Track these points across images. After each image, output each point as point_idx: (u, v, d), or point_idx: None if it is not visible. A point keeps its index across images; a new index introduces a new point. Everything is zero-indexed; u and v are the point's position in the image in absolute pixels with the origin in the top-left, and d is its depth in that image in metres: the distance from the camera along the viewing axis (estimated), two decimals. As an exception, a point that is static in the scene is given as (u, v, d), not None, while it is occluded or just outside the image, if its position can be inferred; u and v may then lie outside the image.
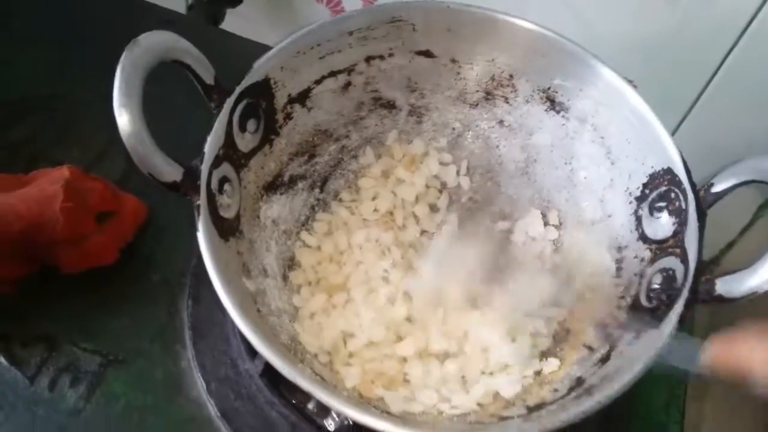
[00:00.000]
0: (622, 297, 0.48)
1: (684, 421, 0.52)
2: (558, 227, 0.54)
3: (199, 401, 0.47)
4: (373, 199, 0.55)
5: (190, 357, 0.48)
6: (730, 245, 0.89)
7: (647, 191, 0.48)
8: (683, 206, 0.45)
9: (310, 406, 0.46)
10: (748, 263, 0.76)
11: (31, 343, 0.48)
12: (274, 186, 0.50)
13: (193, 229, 0.50)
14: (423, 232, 0.55)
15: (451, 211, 0.56)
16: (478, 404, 0.44)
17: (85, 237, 0.47)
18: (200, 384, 0.47)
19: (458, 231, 0.55)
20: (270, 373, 0.46)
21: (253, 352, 0.47)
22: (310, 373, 0.39)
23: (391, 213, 0.54)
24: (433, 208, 0.56)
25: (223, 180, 0.44)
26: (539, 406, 0.42)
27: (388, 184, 0.55)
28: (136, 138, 0.39)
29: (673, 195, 0.46)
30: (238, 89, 0.45)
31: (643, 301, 0.45)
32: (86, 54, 0.63)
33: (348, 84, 0.53)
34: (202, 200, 0.41)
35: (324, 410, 0.45)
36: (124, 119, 0.38)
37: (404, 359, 0.46)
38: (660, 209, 0.47)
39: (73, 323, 0.49)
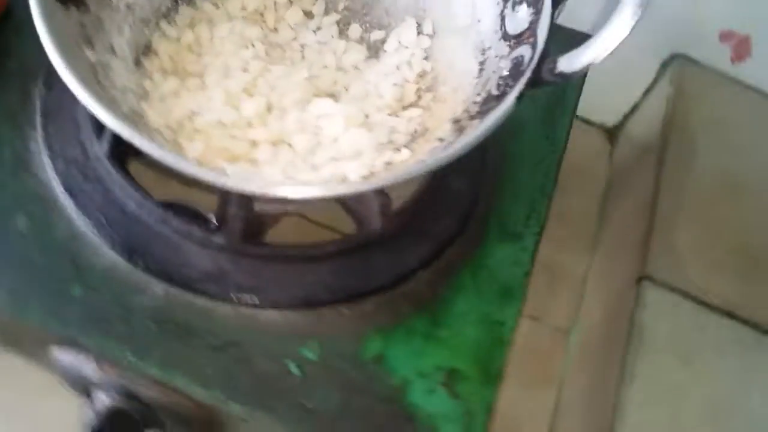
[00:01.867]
0: (479, 94, 0.48)
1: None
2: (431, 36, 0.53)
3: (45, 181, 0.46)
4: None
5: (39, 139, 0.47)
6: (634, 108, 0.90)
7: None
8: (538, -4, 0.45)
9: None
10: (650, 126, 0.77)
11: None
12: None
13: None
14: (295, 39, 0.53)
15: (327, 18, 0.55)
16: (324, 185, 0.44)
17: None
18: (47, 164, 0.47)
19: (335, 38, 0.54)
20: (117, 153, 0.46)
21: (99, 134, 0.46)
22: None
23: (261, 13, 0.53)
24: (308, 15, 0.54)
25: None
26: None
27: None
28: None
29: None
30: None
31: (493, 91, 0.45)
32: None
33: None
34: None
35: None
36: None
37: (254, 143, 0.46)
38: (520, 2, 0.47)
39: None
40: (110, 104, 0.39)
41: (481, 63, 0.49)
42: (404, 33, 0.54)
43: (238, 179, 0.41)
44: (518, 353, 0.50)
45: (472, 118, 0.46)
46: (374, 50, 0.54)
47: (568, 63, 0.41)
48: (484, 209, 0.52)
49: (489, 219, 0.51)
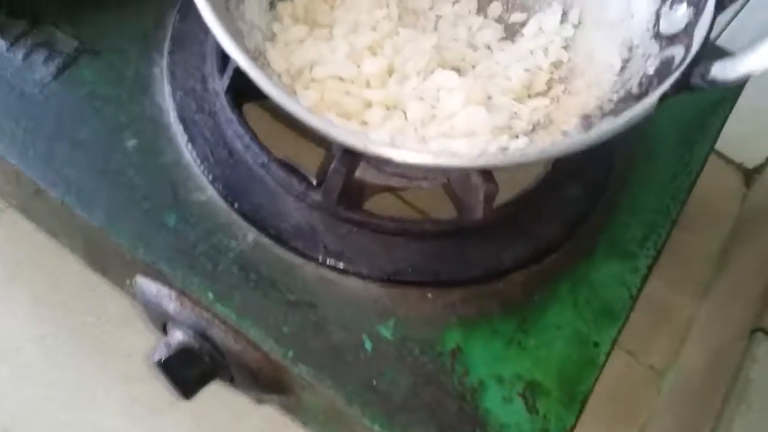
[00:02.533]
0: (617, 91, 0.44)
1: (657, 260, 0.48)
2: (576, 26, 0.50)
3: (161, 106, 0.46)
4: None
5: (163, 65, 0.48)
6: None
7: None
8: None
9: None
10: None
11: (18, 15, 0.48)
12: None
13: None
14: (431, 8, 0.51)
15: (467, -6, 0.52)
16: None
17: None
18: (167, 90, 0.47)
19: (472, 13, 0.51)
20: (235, 91, 0.45)
21: (222, 70, 0.46)
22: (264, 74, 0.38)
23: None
24: (447, -11, 0.52)
25: None
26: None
27: None
28: None
29: None
30: None
31: (634, 90, 0.41)
32: None
33: None
34: None
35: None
36: None
37: (368, 103, 0.44)
38: (680, 0, 0.42)
39: (62, 8, 0.49)
40: (236, 36, 0.39)
41: (625, 60, 0.45)
42: (547, 18, 0.50)
43: (347, 132, 0.39)
44: (604, 384, 0.46)
45: (604, 115, 0.42)
46: (511, 32, 0.51)
47: (723, 70, 0.37)
48: (597, 221, 0.48)
49: (601, 232, 0.47)
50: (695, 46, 0.38)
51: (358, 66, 0.44)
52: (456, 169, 0.42)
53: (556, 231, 0.46)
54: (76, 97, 0.46)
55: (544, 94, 0.48)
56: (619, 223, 0.48)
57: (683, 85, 0.38)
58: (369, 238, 0.43)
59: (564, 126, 0.44)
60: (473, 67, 0.48)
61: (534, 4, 0.52)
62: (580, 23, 0.50)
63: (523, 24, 0.51)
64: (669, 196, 0.50)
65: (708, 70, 0.37)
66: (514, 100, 0.46)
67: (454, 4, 0.51)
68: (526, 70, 0.48)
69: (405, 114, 0.44)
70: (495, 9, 0.52)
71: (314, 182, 0.43)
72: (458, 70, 0.47)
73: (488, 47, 0.50)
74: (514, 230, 0.45)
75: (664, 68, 0.40)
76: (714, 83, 0.37)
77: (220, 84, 0.46)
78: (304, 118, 0.35)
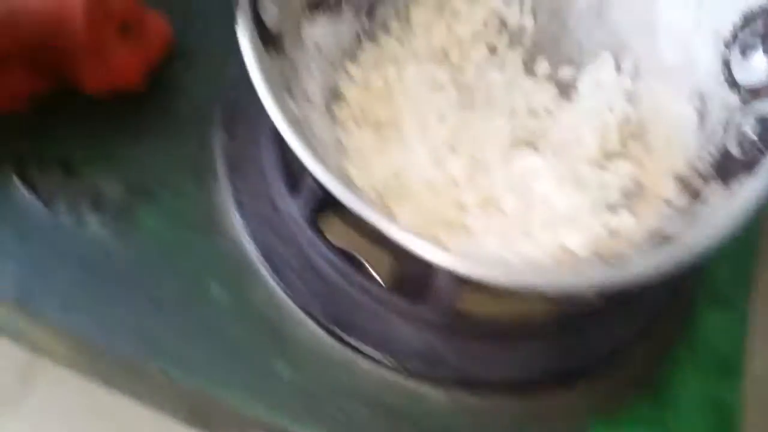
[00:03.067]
0: (704, 147, 0.43)
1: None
2: (633, 76, 0.48)
3: (235, 239, 0.43)
4: (426, 33, 0.48)
5: (225, 192, 0.44)
6: None
7: (739, 34, 0.43)
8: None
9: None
10: None
11: (48, 167, 0.43)
12: (317, 3, 0.44)
13: (224, 55, 0.45)
14: (481, 77, 0.49)
15: (512, 53, 0.50)
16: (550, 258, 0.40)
17: (109, 50, 0.41)
18: (238, 222, 0.43)
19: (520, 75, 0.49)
20: (312, 211, 0.42)
21: (294, 190, 0.43)
22: (363, 200, 0.35)
23: (445, 51, 0.48)
24: (492, 50, 0.50)
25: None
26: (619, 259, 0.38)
27: (444, 18, 0.49)
28: None
29: None
30: None
31: (734, 152, 0.40)
32: None
33: None
34: None
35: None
36: None
37: (463, 206, 0.42)
38: (754, 49, 0.42)
39: (95, 148, 0.44)
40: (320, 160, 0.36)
41: (701, 111, 0.44)
42: (601, 71, 0.49)
43: (465, 260, 0.36)
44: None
45: (705, 179, 0.41)
46: (565, 90, 0.49)
47: None
48: (688, 271, 0.47)
49: (695, 282, 0.47)
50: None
51: (443, 167, 0.42)
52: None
53: (656, 291, 0.45)
54: (140, 250, 0.42)
55: (621, 154, 0.46)
56: (708, 268, 0.47)
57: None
58: (487, 346, 0.41)
59: (661, 192, 0.43)
60: (544, 137, 0.46)
61: (582, 57, 0.50)
62: (636, 73, 0.48)
63: (574, 79, 0.49)
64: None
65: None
66: (597, 168, 0.45)
67: (500, 69, 0.49)
68: (596, 130, 0.46)
69: (501, 208, 0.42)
70: (542, 67, 0.50)
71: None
72: (532, 145, 0.45)
73: (547, 110, 0.48)
74: (617, 304, 0.44)
75: (766, 132, 0.39)
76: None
77: (292, 204, 0.43)
78: (416, 247, 0.33)
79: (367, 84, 0.46)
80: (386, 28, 0.48)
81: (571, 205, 0.42)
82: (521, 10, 0.50)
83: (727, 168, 0.40)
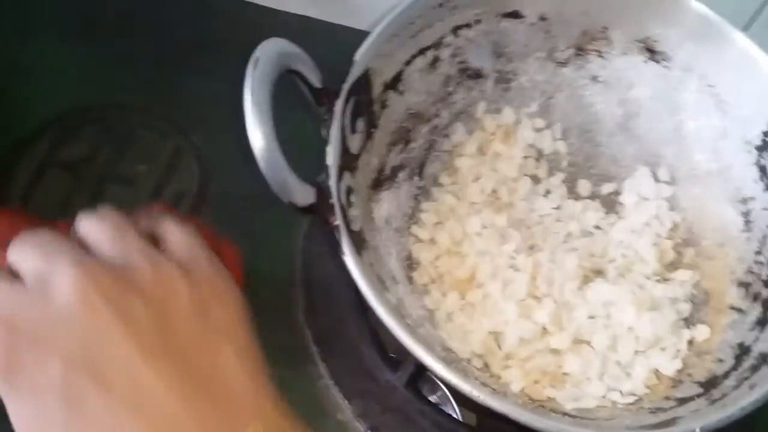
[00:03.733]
0: (759, 252, 0.46)
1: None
2: (670, 183, 0.52)
3: (345, 421, 0.45)
4: (475, 180, 0.51)
5: (324, 375, 0.46)
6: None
7: None
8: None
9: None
10: None
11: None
12: (379, 182, 0.47)
13: (287, 236, 0.47)
14: (532, 210, 0.51)
15: (553, 179, 0.53)
16: (647, 387, 0.42)
17: None
18: (343, 403, 0.45)
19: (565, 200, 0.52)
20: (415, 381, 0.44)
21: (392, 364, 0.45)
22: (477, 382, 0.38)
23: (495, 191, 0.51)
24: (535, 180, 0.53)
25: (348, 190, 0.41)
26: (712, 381, 0.41)
27: (487, 161, 0.52)
28: (272, 161, 0.35)
29: None
30: (346, 87, 0.41)
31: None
32: (132, 54, 0.58)
33: (436, 59, 0.49)
34: (339, 219, 0.38)
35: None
36: (259, 141, 0.35)
37: (556, 351, 0.44)
38: None
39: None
40: (428, 347, 0.38)
41: (745, 214, 0.48)
42: (641, 183, 0.52)
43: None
44: None
45: (763, 281, 0.44)
46: (609, 204, 0.52)
47: None
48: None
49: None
50: None
51: (531, 318, 0.45)
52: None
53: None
54: None
55: (679, 263, 0.49)
56: None
57: None
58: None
59: (725, 299, 0.46)
60: (609, 261, 0.49)
61: (619, 171, 0.53)
62: (673, 180, 0.52)
63: (616, 193, 0.53)
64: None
65: None
66: (660, 281, 0.48)
67: (545, 196, 0.52)
68: (654, 244, 0.49)
69: (590, 344, 0.44)
70: (584, 187, 0.53)
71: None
72: (600, 272, 0.48)
73: (599, 228, 0.51)
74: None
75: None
76: None
77: (394, 378, 0.45)
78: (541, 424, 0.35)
79: (434, 243, 0.48)
80: (439, 184, 0.51)
81: (652, 329, 0.45)
82: (553, 137, 0.54)
83: None
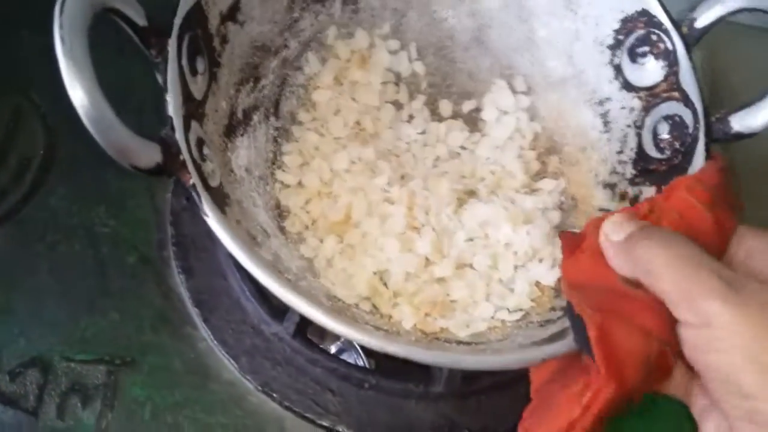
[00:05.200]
0: (621, 151, 0.47)
1: None
2: (527, 93, 0.52)
3: (232, 381, 0.43)
4: (336, 113, 0.49)
5: (206, 336, 0.43)
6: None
7: (621, 37, 0.46)
8: (669, 47, 0.44)
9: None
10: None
11: (20, 373, 0.41)
12: (232, 128, 0.43)
13: (149, 194, 0.44)
14: (398, 138, 0.50)
15: (415, 102, 0.52)
16: (532, 300, 0.43)
17: None
18: (228, 363, 0.43)
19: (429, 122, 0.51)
20: (303, 331, 0.43)
21: (277, 315, 0.43)
22: (369, 328, 0.36)
23: (359, 122, 0.49)
24: (397, 105, 0.51)
25: (200, 143, 0.37)
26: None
27: (345, 91, 0.50)
28: (101, 120, 0.31)
29: (654, 37, 0.45)
30: (177, 22, 0.36)
31: (652, 153, 0.45)
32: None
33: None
34: (194, 177, 0.34)
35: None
36: (80, 98, 0.30)
37: (442, 280, 0.43)
38: (643, 54, 0.45)
39: (59, 337, 0.42)
40: (315, 300, 0.36)
41: (603, 115, 0.48)
42: (499, 97, 0.52)
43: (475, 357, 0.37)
44: None
45: (634, 183, 0.45)
46: (472, 122, 0.52)
47: (745, 121, 0.41)
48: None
49: None
50: (696, 103, 0.42)
51: (413, 251, 0.43)
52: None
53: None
54: (142, 423, 0.41)
55: (544, 173, 0.50)
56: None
57: (710, 141, 0.41)
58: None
59: (592, 201, 0.47)
60: (480, 179, 0.49)
61: (477, 87, 0.52)
62: (530, 89, 0.52)
63: (478, 110, 0.52)
64: None
65: (728, 125, 0.41)
66: (528, 194, 0.48)
67: (409, 121, 0.51)
68: (518, 156, 0.49)
69: (473, 267, 0.44)
70: (445, 107, 0.52)
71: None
72: (473, 193, 0.48)
73: (464, 148, 0.51)
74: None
75: (678, 129, 0.43)
76: (740, 136, 0.41)
77: (281, 329, 0.43)
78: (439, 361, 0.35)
79: (302, 186, 0.46)
80: (298, 122, 0.48)
81: (530, 242, 0.45)
82: (410, 58, 0.52)
83: (649, 169, 0.44)
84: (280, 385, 0.43)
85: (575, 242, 0.34)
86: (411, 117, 0.51)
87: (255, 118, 0.46)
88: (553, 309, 0.42)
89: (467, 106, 0.52)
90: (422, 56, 0.52)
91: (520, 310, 0.42)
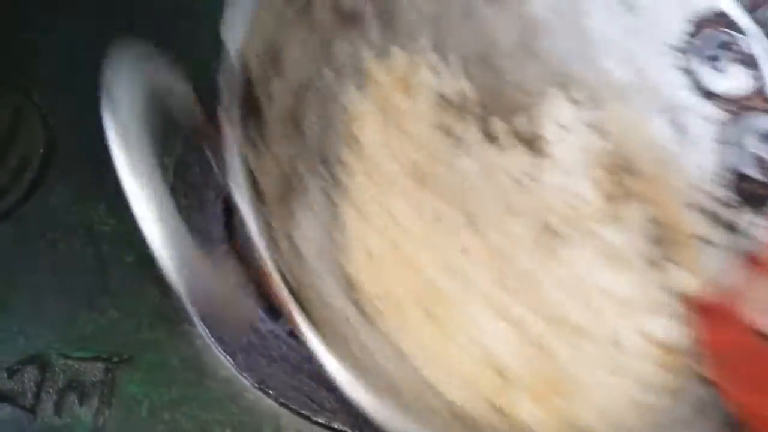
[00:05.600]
0: (707, 169, 0.41)
1: None
2: (586, 103, 0.46)
3: (229, 378, 0.42)
4: (385, 148, 0.42)
5: (203, 334, 0.42)
6: None
7: (694, 41, 0.42)
8: (752, 52, 0.39)
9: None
10: None
11: (18, 370, 0.41)
12: (286, 192, 0.37)
13: None
14: (450, 166, 0.44)
15: (465, 124, 0.45)
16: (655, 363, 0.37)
17: None
18: (225, 360, 0.42)
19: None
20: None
21: (274, 313, 0.40)
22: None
23: (411, 158, 0.43)
24: (446, 130, 0.45)
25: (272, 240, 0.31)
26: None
27: (391, 122, 0.43)
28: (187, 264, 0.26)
29: (732, 41, 0.40)
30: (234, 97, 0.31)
31: (749, 172, 0.39)
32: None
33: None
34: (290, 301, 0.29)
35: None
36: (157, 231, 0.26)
37: (540, 336, 0.38)
38: (722, 59, 0.41)
39: (57, 334, 0.43)
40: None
41: (679, 127, 0.43)
42: (554, 108, 0.46)
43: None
44: None
45: (729, 206, 0.40)
46: (531, 142, 0.45)
47: None
48: None
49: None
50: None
51: (503, 315, 0.38)
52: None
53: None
54: (139, 421, 0.41)
55: (621, 196, 0.44)
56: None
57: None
58: None
59: (683, 227, 0.42)
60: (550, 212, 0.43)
61: (528, 99, 0.46)
62: (588, 98, 0.46)
63: (534, 125, 0.46)
64: None
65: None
66: (613, 221, 0.42)
67: (462, 148, 0.45)
68: (586, 177, 0.44)
69: (569, 322, 0.39)
70: (499, 126, 0.46)
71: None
72: (549, 230, 0.42)
73: (530, 177, 0.44)
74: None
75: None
76: None
77: (277, 327, 0.41)
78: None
79: (370, 253, 0.39)
80: (341, 163, 0.42)
81: (626, 284, 0.40)
82: (453, 75, 0.46)
83: (751, 191, 0.39)
84: (276, 382, 0.41)
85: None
86: (462, 141, 0.45)
87: (301, 169, 0.39)
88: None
89: (521, 122, 0.46)
90: (466, 70, 0.46)
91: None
